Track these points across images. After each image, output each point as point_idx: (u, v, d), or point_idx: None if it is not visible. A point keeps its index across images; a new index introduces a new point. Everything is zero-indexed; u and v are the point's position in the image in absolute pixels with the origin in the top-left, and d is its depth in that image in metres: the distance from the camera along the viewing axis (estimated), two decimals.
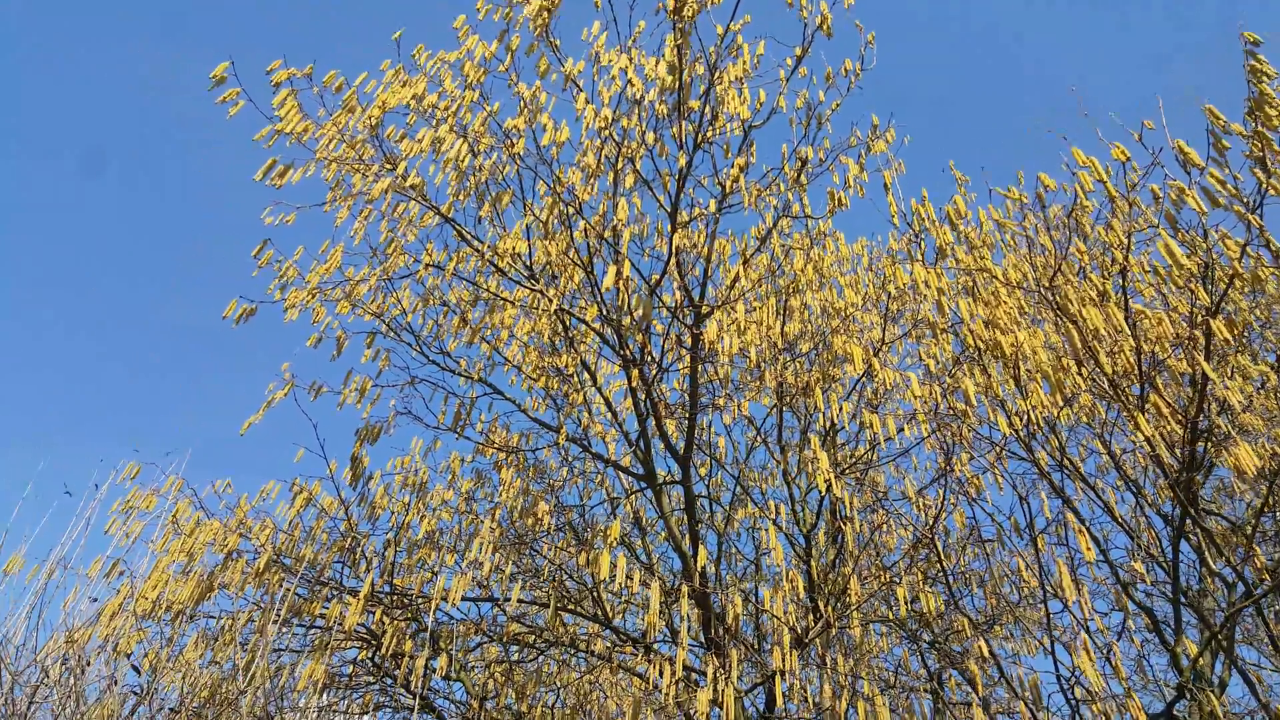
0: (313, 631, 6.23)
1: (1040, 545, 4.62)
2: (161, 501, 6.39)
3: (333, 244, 6.34)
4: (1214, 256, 4.32)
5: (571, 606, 6.16)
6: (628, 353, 5.73)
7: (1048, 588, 4.22)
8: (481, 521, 5.80)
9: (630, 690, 6.72)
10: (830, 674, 5.24)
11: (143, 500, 6.53)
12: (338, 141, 5.67)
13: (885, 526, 5.59)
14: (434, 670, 6.00)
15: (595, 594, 6.36)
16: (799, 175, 5.61)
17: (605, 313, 5.65)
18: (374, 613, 5.79)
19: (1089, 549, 3.77)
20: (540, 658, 6.75)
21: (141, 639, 6.05)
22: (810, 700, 5.77)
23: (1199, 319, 3.97)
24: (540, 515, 5.67)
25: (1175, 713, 4.26)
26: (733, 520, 6.63)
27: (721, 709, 4.64)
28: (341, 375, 6.25)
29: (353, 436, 6.24)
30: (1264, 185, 4.28)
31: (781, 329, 6.19)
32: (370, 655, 6.16)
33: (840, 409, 5.21)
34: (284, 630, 6.18)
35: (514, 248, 5.76)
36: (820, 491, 4.91)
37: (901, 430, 5.65)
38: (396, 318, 6.22)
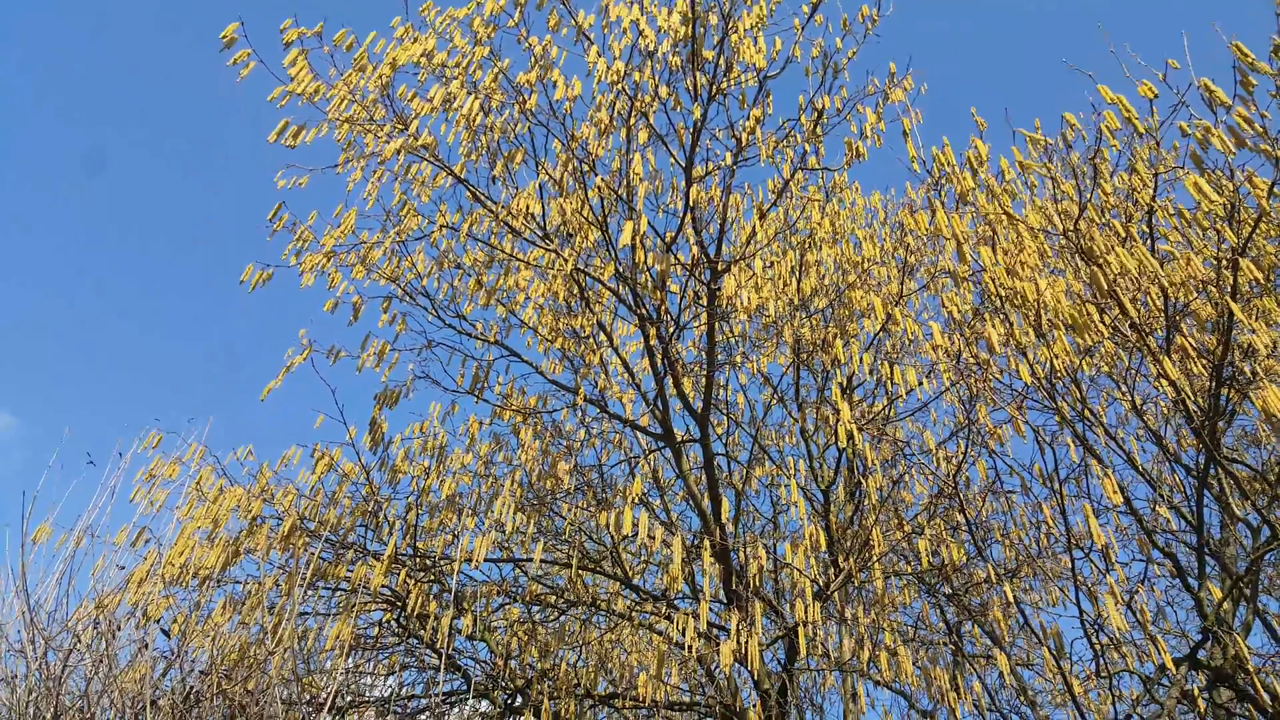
0: (338, 594, 6.31)
1: (1063, 494, 4.61)
2: (184, 469, 6.46)
3: (346, 207, 6.33)
4: (1239, 198, 4.23)
5: (592, 566, 6.20)
6: (644, 311, 5.71)
7: (1071, 537, 4.21)
8: (501, 484, 5.83)
9: (652, 646, 6.79)
10: (851, 627, 5.27)
11: (166, 468, 6.61)
12: (349, 102, 5.62)
13: (905, 480, 5.58)
14: (458, 630, 6.07)
15: (615, 554, 6.40)
16: (815, 126, 5.52)
17: (621, 271, 5.61)
18: (397, 575, 5.85)
19: (1114, 493, 3.75)
20: (562, 617, 6.82)
21: (170, 604, 6.16)
22: (830, 654, 5.82)
23: (1226, 260, 3.91)
24: (560, 476, 5.69)
25: (1199, 657, 4.26)
26: (751, 479, 6.64)
27: (744, 663, 4.68)
28: (359, 341, 6.24)
29: (371, 401, 6.27)
30: None
31: (798, 285, 6.14)
32: (395, 616, 6.23)
33: (859, 361, 5.18)
34: (310, 593, 6.26)
35: (528, 207, 5.72)
36: (841, 444, 4.90)
37: (921, 383, 5.62)
38: (412, 281, 6.21)
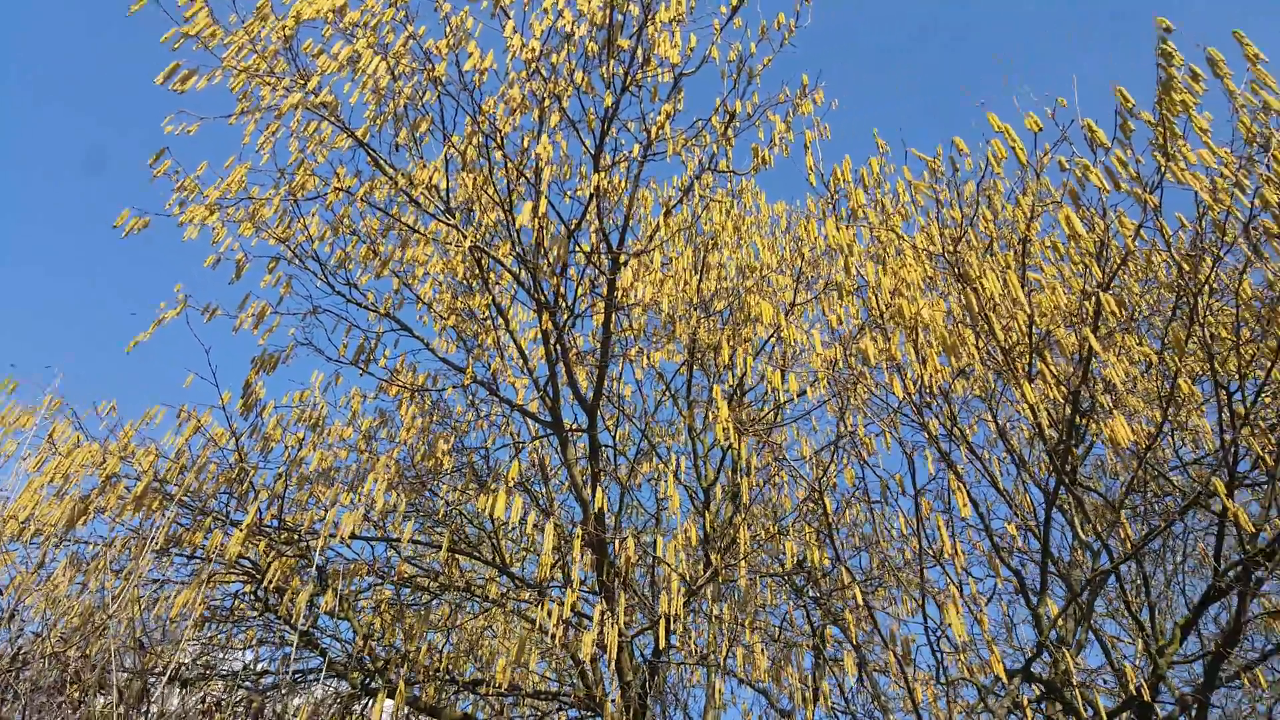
0: (194, 562, 6.02)
1: (928, 507, 4.78)
2: (39, 420, 6.09)
3: (238, 161, 6.07)
4: (1109, 236, 4.48)
5: (468, 550, 6.09)
6: (542, 297, 5.64)
7: (927, 549, 4.37)
8: (379, 459, 5.67)
9: (526, 634, 6.72)
10: (715, 623, 5.34)
11: (17, 418, 6.22)
12: (248, 51, 5.37)
13: (779, 483, 5.69)
14: (319, 607, 5.88)
15: (494, 540, 6.31)
16: (726, 128, 5.57)
17: (521, 254, 5.54)
18: (258, 546, 5.62)
19: (965, 506, 3.91)
20: (434, 601, 6.69)
21: (7, 562, 5.77)
22: (696, 648, 5.89)
23: (1090, 292, 4.12)
24: (440, 456, 5.57)
25: (1032, 670, 4.48)
26: (636, 473, 6.65)
27: (605, 650, 4.68)
28: (241, 304, 5.95)
29: (248, 365, 6.01)
30: (1163, 169, 4.45)
31: (698, 285, 6.19)
32: (254, 589, 5.98)
33: (745, 365, 5.25)
34: (163, 560, 5.95)
35: (431, 179, 5.58)
36: (719, 443, 4.96)
37: (804, 392, 5.74)
38: (302, 244, 5.97)
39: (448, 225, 5.61)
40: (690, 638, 5.80)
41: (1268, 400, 5.64)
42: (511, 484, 5.22)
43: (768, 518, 6.25)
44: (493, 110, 5.16)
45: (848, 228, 4.65)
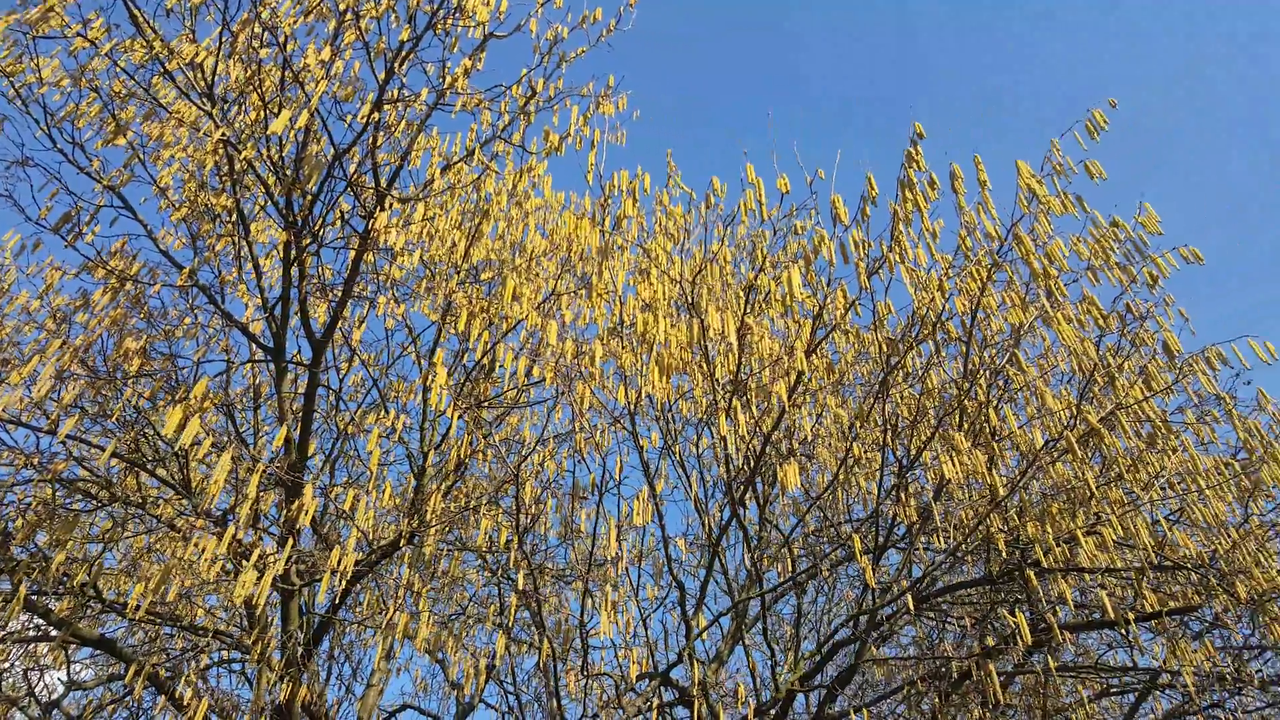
0: None
1: (624, 510, 4.98)
2: None
3: None
4: (828, 304, 4.90)
5: (141, 463, 5.58)
6: (292, 216, 5.31)
7: (601, 545, 4.56)
8: (58, 341, 5.07)
9: (198, 563, 6.28)
10: (394, 590, 5.27)
11: None
12: None
13: (502, 461, 5.73)
14: None
15: (183, 459, 5.83)
16: (527, 103, 5.52)
17: (278, 164, 5.17)
18: None
19: (639, 515, 4.13)
20: (100, 511, 6.08)
21: None
22: (380, 607, 5.78)
23: (796, 349, 4.49)
24: (128, 353, 5.06)
25: (671, 676, 4.82)
26: (359, 423, 6.42)
27: (258, 590, 4.48)
28: None
29: None
30: (886, 257, 4.93)
31: (466, 250, 6.09)
32: None
33: (483, 340, 5.23)
34: None
35: (197, 57, 5.07)
36: (438, 409, 4.90)
37: (542, 381, 5.81)
38: (30, 85, 5.23)
39: (202, 111, 5.12)
40: (369, 598, 5.69)
41: (933, 478, 6.43)
42: (208, 403, 4.85)
43: (481, 492, 6.26)
44: (277, 2, 4.78)
45: (609, 234, 4.76)
